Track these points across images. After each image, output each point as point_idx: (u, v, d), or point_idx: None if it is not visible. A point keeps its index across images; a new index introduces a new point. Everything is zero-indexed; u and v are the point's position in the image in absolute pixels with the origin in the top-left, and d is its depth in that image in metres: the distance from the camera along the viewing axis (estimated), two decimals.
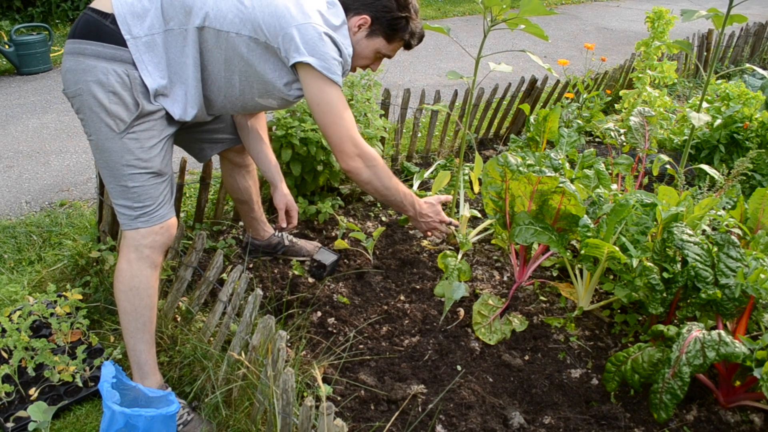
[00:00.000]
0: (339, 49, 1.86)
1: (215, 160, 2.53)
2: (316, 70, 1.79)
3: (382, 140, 3.36)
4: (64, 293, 2.23)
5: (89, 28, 1.69)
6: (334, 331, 2.27)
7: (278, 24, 1.77)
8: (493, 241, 2.89)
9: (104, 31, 1.68)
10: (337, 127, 1.92)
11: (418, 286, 2.55)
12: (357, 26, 1.95)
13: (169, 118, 1.83)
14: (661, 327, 1.95)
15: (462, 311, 2.41)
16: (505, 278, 2.67)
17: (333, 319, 2.32)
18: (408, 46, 2.07)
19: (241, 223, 2.89)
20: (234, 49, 1.80)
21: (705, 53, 5.92)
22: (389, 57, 2.08)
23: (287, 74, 1.88)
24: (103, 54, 1.67)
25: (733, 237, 2.05)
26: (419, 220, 2.34)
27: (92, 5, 1.73)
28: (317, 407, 1.66)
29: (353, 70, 2.08)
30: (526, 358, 2.21)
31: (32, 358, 2.00)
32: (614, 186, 2.68)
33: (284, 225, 2.47)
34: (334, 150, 1.98)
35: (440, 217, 2.38)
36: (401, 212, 2.13)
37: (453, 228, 2.40)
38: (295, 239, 2.69)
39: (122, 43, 1.68)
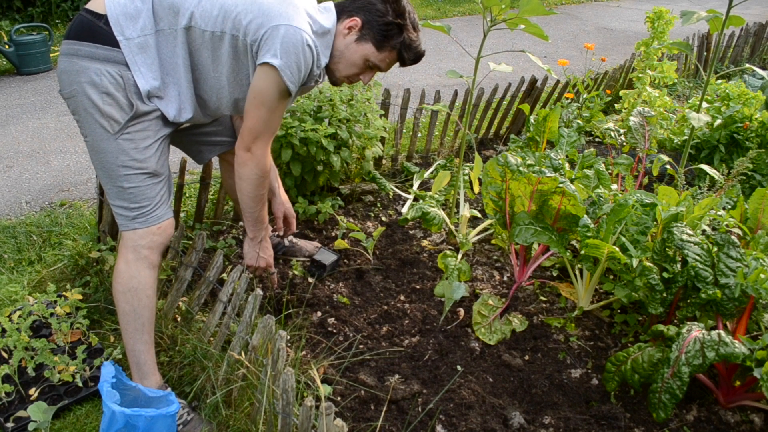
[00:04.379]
0: (313, 60, 1.80)
1: (215, 160, 2.53)
2: (278, 72, 1.74)
3: (382, 140, 3.36)
4: (64, 293, 2.23)
5: (83, 29, 1.69)
6: (334, 331, 2.27)
7: (263, 20, 1.72)
8: (493, 241, 2.89)
9: (98, 32, 1.68)
10: (256, 119, 1.84)
11: (418, 286, 2.55)
12: (347, 28, 1.88)
13: (164, 119, 1.82)
14: (661, 327, 1.95)
15: (462, 311, 2.41)
16: (505, 278, 2.67)
17: (333, 319, 2.32)
18: (402, 61, 1.95)
19: (241, 223, 2.89)
20: (219, 48, 1.78)
21: (705, 53, 5.92)
22: (381, 69, 1.96)
23: None
24: (96, 55, 1.67)
25: (733, 237, 2.05)
26: (253, 248, 2.20)
27: (87, 6, 1.73)
28: (317, 407, 1.66)
29: (343, 81, 1.99)
30: (526, 358, 2.21)
31: (32, 358, 2.00)
32: (614, 186, 2.68)
33: (281, 233, 2.46)
34: (241, 133, 1.88)
35: (269, 260, 2.26)
36: (247, 227, 2.13)
37: (274, 275, 2.40)
38: (295, 239, 2.69)
39: (116, 44, 1.68)
